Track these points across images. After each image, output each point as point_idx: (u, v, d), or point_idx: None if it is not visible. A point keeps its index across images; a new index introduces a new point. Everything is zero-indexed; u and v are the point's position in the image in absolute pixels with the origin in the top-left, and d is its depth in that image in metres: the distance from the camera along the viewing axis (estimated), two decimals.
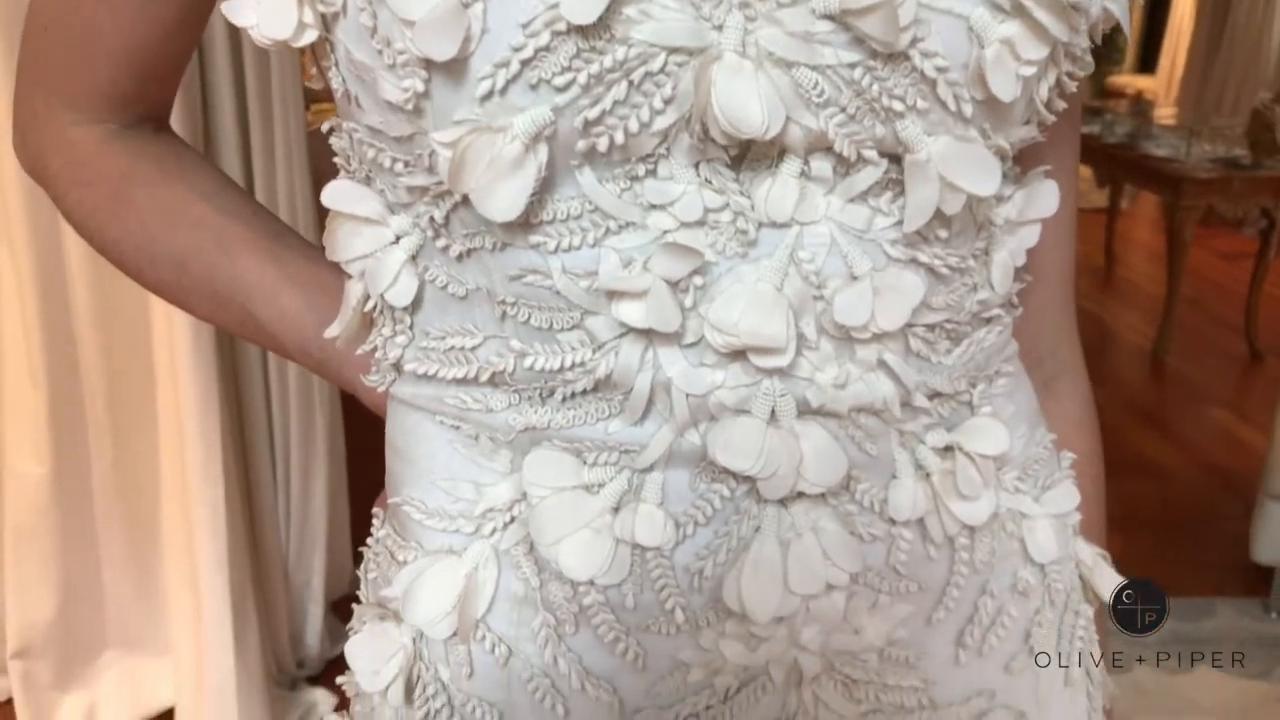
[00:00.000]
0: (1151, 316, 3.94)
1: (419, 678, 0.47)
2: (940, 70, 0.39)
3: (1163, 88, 6.44)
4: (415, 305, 0.46)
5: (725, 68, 0.37)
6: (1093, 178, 4.74)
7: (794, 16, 0.37)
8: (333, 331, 0.48)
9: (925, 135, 0.40)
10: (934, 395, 0.46)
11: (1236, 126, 4.00)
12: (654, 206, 0.40)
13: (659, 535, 0.43)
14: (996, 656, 0.51)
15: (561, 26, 0.37)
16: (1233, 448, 3.04)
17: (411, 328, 0.47)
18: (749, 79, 0.37)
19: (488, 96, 0.38)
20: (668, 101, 0.38)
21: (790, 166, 0.40)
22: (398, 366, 0.48)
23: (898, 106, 0.39)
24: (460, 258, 0.43)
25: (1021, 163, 0.48)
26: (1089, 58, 0.45)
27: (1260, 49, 5.70)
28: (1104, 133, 4.07)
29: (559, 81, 0.38)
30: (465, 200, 0.41)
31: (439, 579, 0.46)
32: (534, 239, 0.41)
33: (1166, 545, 2.44)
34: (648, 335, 0.41)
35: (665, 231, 0.40)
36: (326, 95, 2.84)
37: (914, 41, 0.39)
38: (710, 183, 0.40)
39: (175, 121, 0.54)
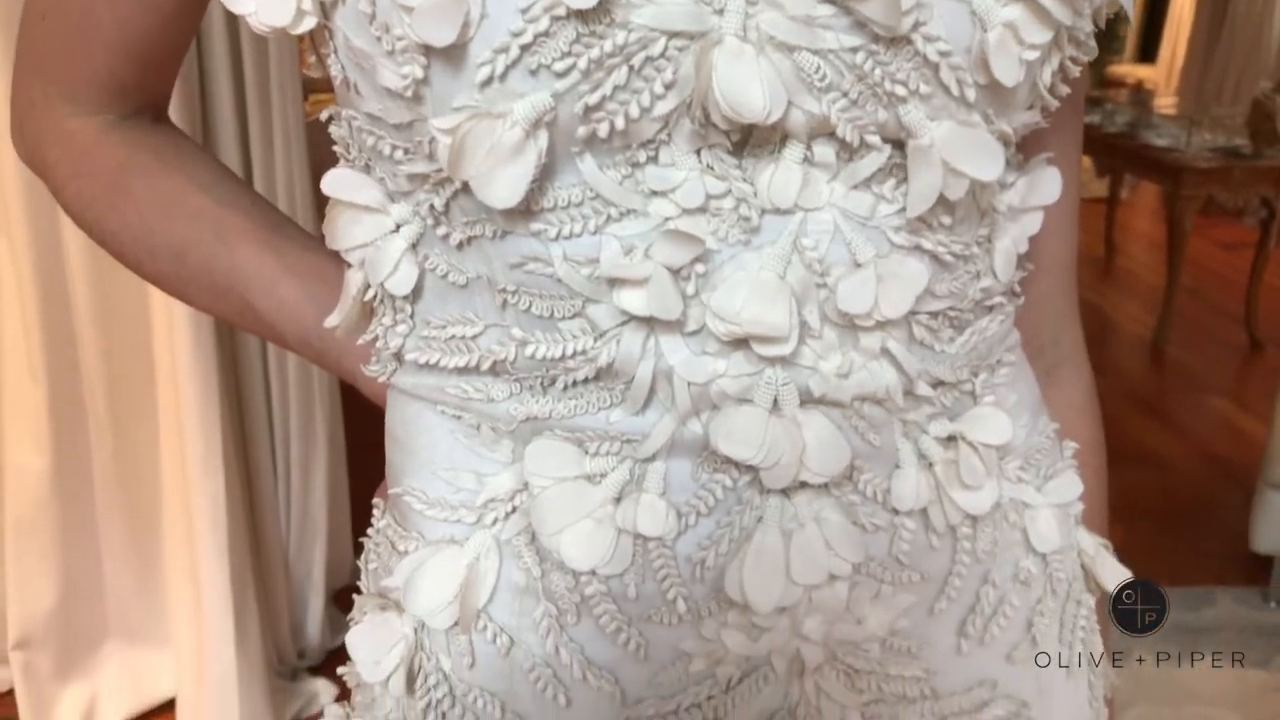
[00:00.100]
0: (1151, 306, 3.94)
1: (420, 668, 0.47)
2: (943, 54, 0.39)
3: (1163, 77, 6.42)
4: (416, 294, 0.46)
5: (726, 52, 0.37)
6: (1093, 167, 4.73)
7: (795, 0, 0.37)
8: (332, 321, 0.48)
9: (928, 120, 0.40)
10: (937, 384, 0.46)
11: (1237, 116, 3.99)
12: (655, 193, 0.40)
13: (661, 525, 0.43)
14: (998, 646, 0.51)
15: (561, 11, 0.36)
16: (1233, 437, 3.04)
17: (412, 317, 0.46)
18: (750, 63, 0.37)
19: (487, 82, 0.38)
20: (668, 86, 0.38)
21: (793, 152, 0.40)
22: (398, 356, 0.47)
23: (900, 91, 0.39)
24: (461, 246, 0.43)
25: (1024, 150, 0.48)
26: (1092, 42, 0.44)
27: (1261, 38, 5.68)
28: (1104, 122, 4.06)
29: (559, 67, 0.37)
30: (465, 188, 0.40)
31: (440, 569, 0.46)
32: (535, 226, 0.41)
33: (1166, 535, 2.44)
34: (649, 323, 0.41)
35: (667, 219, 0.40)
36: (325, 85, 2.83)
37: (916, 25, 0.38)
38: (712, 169, 0.40)
39: (173, 112, 0.54)
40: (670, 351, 0.41)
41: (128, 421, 1.72)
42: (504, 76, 0.38)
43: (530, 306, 0.42)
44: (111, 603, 1.81)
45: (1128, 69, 6.83)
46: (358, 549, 0.53)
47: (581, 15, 0.37)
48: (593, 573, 0.44)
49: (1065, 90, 0.44)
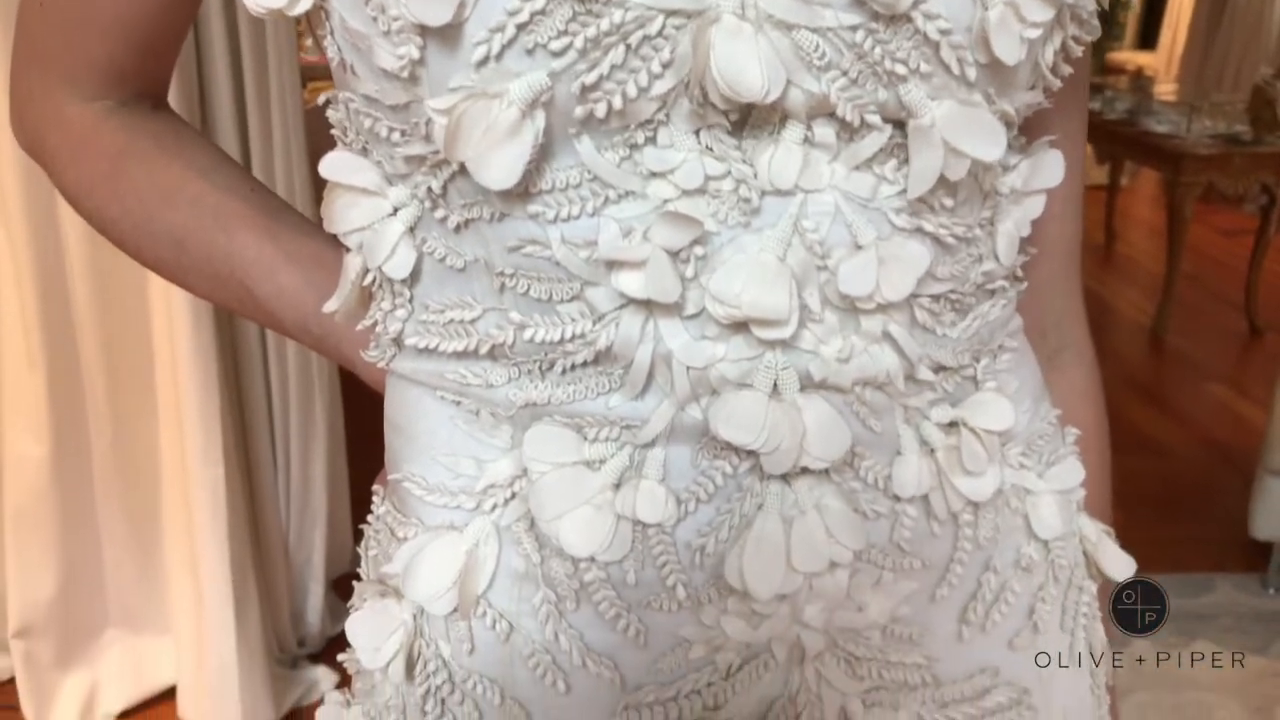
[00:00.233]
0: (1151, 293, 3.94)
1: (420, 654, 0.47)
2: (943, 33, 0.39)
3: (1163, 64, 6.41)
4: (414, 278, 0.45)
5: (724, 30, 0.36)
6: (1093, 154, 4.71)
7: None
8: (331, 305, 0.48)
9: (929, 99, 0.39)
10: (938, 369, 0.45)
11: (1237, 102, 3.98)
12: (654, 174, 0.39)
13: (660, 512, 0.43)
14: (1000, 633, 0.51)
15: None
16: (1232, 424, 3.04)
17: (411, 301, 0.46)
18: (748, 41, 0.36)
19: (483, 62, 0.38)
20: (666, 65, 0.37)
21: (793, 133, 0.39)
22: (397, 341, 0.47)
23: (900, 70, 0.39)
24: (458, 229, 0.43)
25: (1028, 133, 0.47)
26: (1095, 21, 0.44)
27: (1261, 25, 5.66)
28: (1104, 109, 4.05)
29: (555, 46, 0.37)
30: (463, 170, 0.40)
31: (439, 555, 0.46)
32: (532, 209, 0.40)
33: (1166, 521, 2.45)
34: (648, 306, 0.41)
35: (665, 200, 0.39)
36: (324, 73, 2.82)
37: (916, 3, 0.38)
38: (711, 150, 0.39)
39: (171, 101, 0.54)
40: (669, 335, 0.41)
41: (127, 410, 1.72)
42: (500, 56, 0.37)
43: (528, 290, 0.42)
44: (112, 591, 1.82)
45: (1128, 55, 6.81)
46: (358, 536, 0.53)
47: None
48: (592, 559, 0.44)
49: (1068, 70, 0.44)
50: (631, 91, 0.38)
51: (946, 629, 0.49)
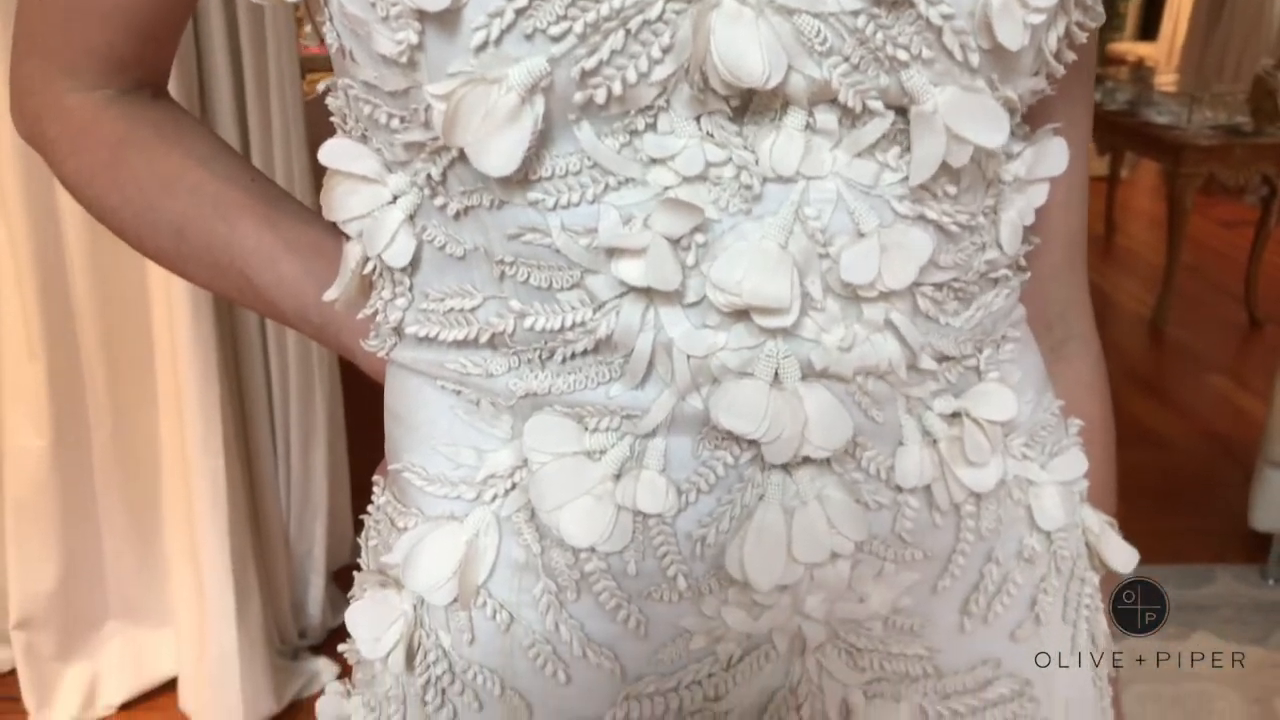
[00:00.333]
0: (1151, 285, 3.94)
1: (420, 644, 0.47)
2: (946, 18, 0.38)
3: (1164, 54, 6.39)
4: (414, 266, 0.45)
5: (724, 15, 0.36)
6: (1093, 146, 4.67)
7: None
8: (331, 294, 0.48)
9: (931, 85, 0.39)
10: (941, 358, 0.45)
11: (1238, 93, 3.97)
12: (654, 161, 0.39)
13: (661, 502, 0.42)
14: (1002, 624, 0.50)
15: None
16: (1232, 415, 3.04)
17: (411, 289, 0.46)
18: (749, 26, 0.36)
19: (482, 47, 0.37)
20: (666, 50, 0.37)
21: (794, 119, 0.39)
22: (398, 330, 0.47)
23: (902, 55, 0.38)
24: (458, 216, 0.42)
25: (1032, 122, 0.47)
26: (1099, 7, 0.44)
27: (1262, 15, 5.65)
28: (1104, 100, 4.04)
29: (554, 31, 0.37)
30: (462, 156, 0.40)
31: (440, 545, 0.45)
32: (532, 196, 0.40)
33: (1166, 513, 2.45)
34: (648, 295, 0.40)
35: (666, 187, 0.39)
36: (323, 65, 2.82)
37: None
38: (712, 136, 0.39)
39: (171, 92, 0.54)
40: (670, 323, 0.41)
41: (127, 401, 1.72)
42: (499, 41, 0.37)
43: (528, 278, 0.42)
44: (112, 583, 1.82)
45: (1128, 46, 6.80)
46: (358, 527, 0.53)
47: None
48: (592, 549, 0.43)
49: (1071, 57, 0.44)
50: (631, 77, 0.37)
51: (948, 620, 0.49)
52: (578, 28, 0.37)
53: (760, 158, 0.39)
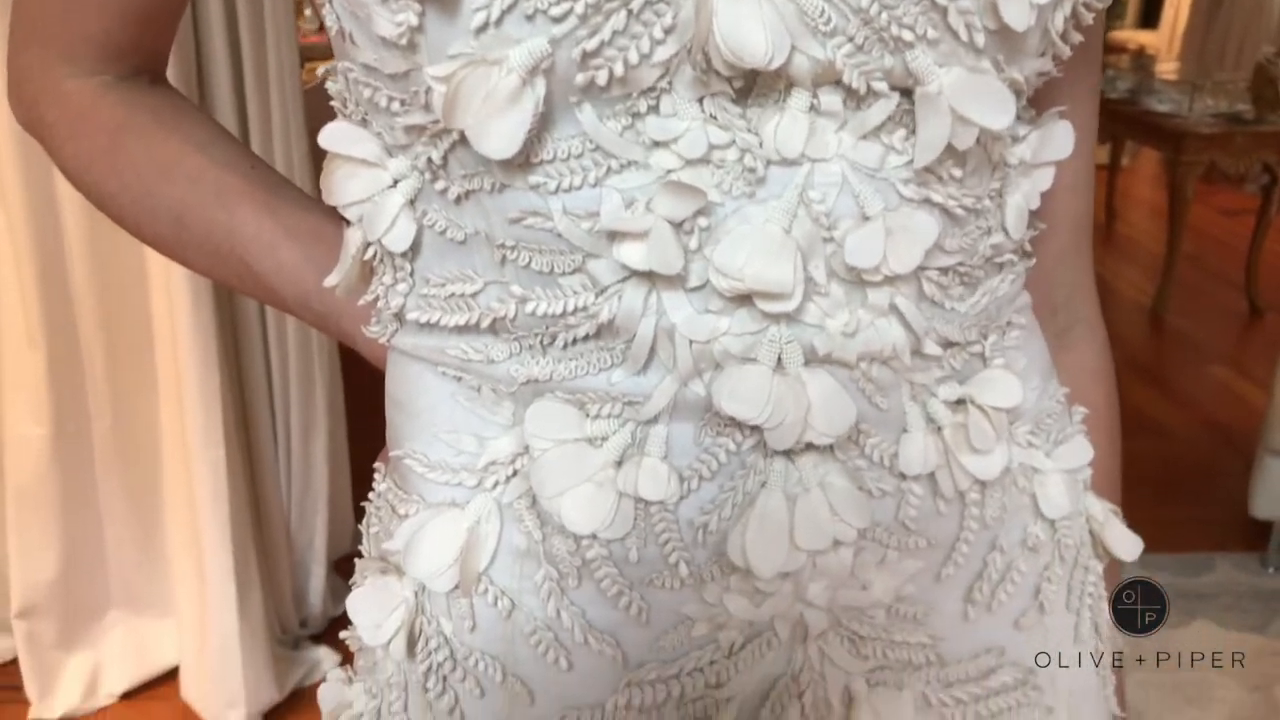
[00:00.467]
0: (1152, 273, 3.93)
1: (421, 631, 0.47)
2: None
3: (1165, 43, 6.37)
4: (414, 251, 0.45)
5: None
6: None
7: None
8: (332, 280, 0.47)
9: (936, 66, 0.39)
10: (946, 344, 0.45)
11: (1239, 81, 3.96)
12: (656, 144, 0.39)
13: (662, 489, 0.42)
14: (1006, 613, 0.50)
15: None
16: (1233, 404, 3.04)
17: (412, 275, 0.45)
18: (752, 6, 0.36)
19: (482, 29, 0.37)
20: (668, 31, 0.37)
21: (798, 100, 0.39)
22: (399, 316, 0.47)
23: (907, 36, 0.38)
24: (459, 200, 0.42)
25: (1038, 105, 0.47)
26: None
27: (1263, 3, 5.63)
28: (1105, 88, 4.03)
29: (555, 12, 0.36)
30: (463, 139, 0.39)
31: (441, 532, 0.45)
32: (533, 179, 0.40)
33: (1166, 502, 2.45)
34: (651, 279, 0.40)
35: (668, 170, 0.39)
36: (321, 54, 2.81)
37: None
38: (715, 118, 0.39)
39: (169, 80, 0.54)
40: (672, 308, 0.40)
41: (127, 390, 1.72)
42: (499, 22, 0.37)
43: (530, 262, 0.41)
44: (113, 572, 1.82)
45: (1129, 34, 6.78)
46: (359, 517, 0.53)
47: None
48: (594, 536, 0.43)
49: (1078, 38, 0.43)
50: (633, 58, 0.37)
51: (952, 608, 0.49)
52: (579, 8, 0.36)
53: (764, 140, 0.39)
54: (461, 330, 0.44)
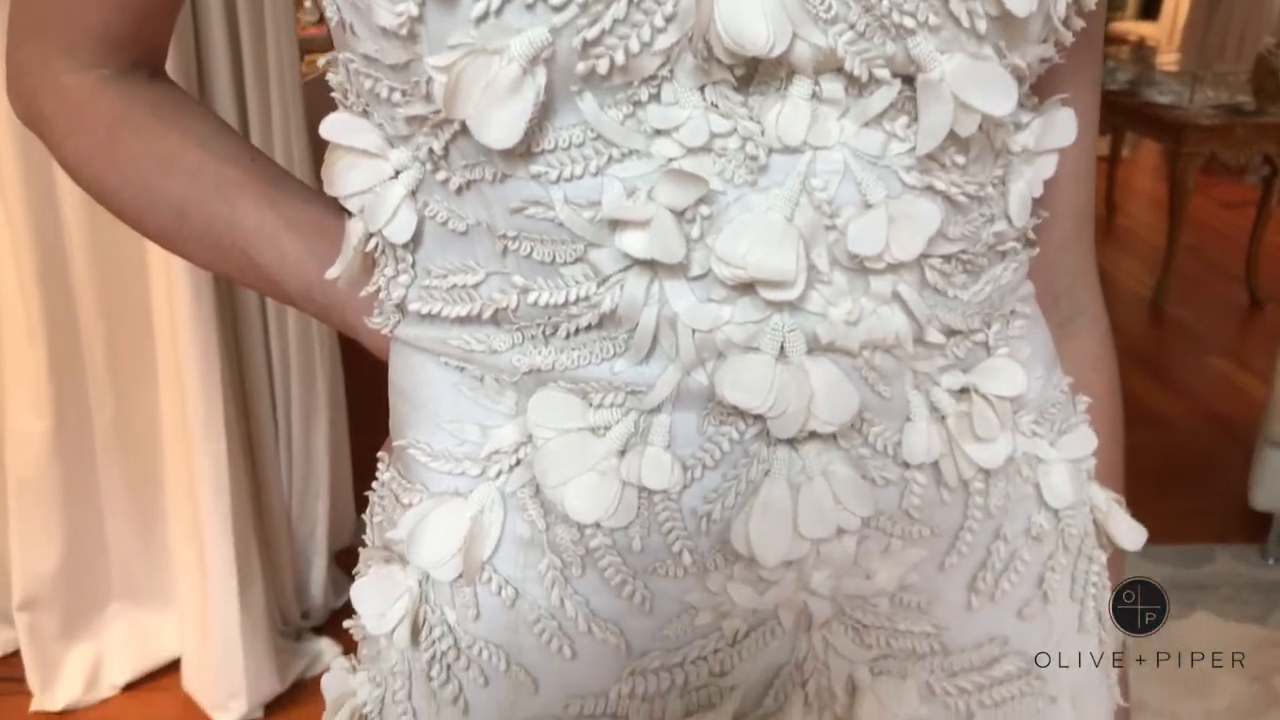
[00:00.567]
0: (1152, 265, 3.93)
1: (425, 620, 0.47)
2: None
3: (1165, 34, 6.36)
4: (416, 243, 0.45)
5: None
6: None
7: None
8: (334, 272, 0.47)
9: (938, 53, 0.39)
10: (949, 333, 0.45)
11: (1240, 73, 3.96)
12: (658, 132, 0.39)
13: (666, 478, 0.42)
14: (1009, 602, 0.50)
15: None
16: (1233, 396, 3.04)
17: (413, 266, 0.45)
18: None
19: (483, 18, 0.37)
20: (669, 19, 0.37)
21: (800, 88, 0.39)
22: (401, 307, 0.47)
23: (909, 23, 0.38)
24: (460, 190, 0.42)
25: (1040, 94, 0.47)
26: None
27: None
28: (1106, 80, 3.98)
29: (556, 0, 0.36)
30: (464, 130, 0.39)
31: (444, 521, 0.45)
32: (535, 169, 0.40)
33: (1167, 494, 2.45)
34: (653, 268, 0.40)
35: (670, 159, 0.39)
36: (321, 46, 2.79)
37: None
38: (716, 107, 0.39)
39: (168, 73, 0.54)
40: (674, 297, 0.40)
41: (128, 382, 1.72)
42: (500, 11, 0.37)
43: (531, 252, 0.41)
44: (115, 564, 1.82)
45: (1130, 26, 6.77)
46: (360, 508, 0.53)
47: None
48: (597, 525, 0.43)
49: (1081, 24, 0.43)
50: (634, 46, 0.37)
51: (955, 598, 0.49)
52: None
53: (766, 128, 0.39)
54: (464, 321, 0.44)
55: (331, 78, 0.45)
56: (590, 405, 0.43)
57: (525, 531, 0.45)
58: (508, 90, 0.37)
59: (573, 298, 0.41)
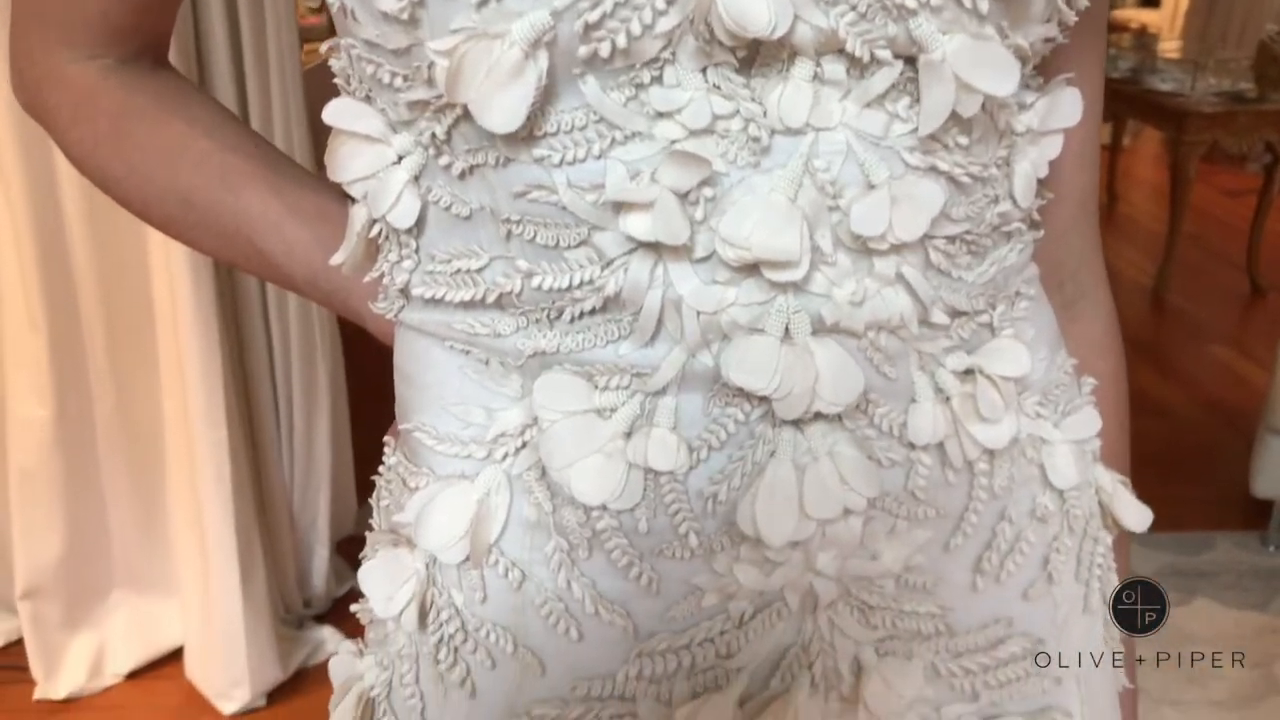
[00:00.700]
0: (1153, 253, 3.93)
1: (433, 603, 0.47)
2: None
3: (1167, 21, 6.34)
4: (419, 228, 0.45)
5: None
6: None
7: None
8: (338, 258, 0.47)
9: (940, 33, 0.38)
10: (954, 314, 0.45)
11: (1242, 60, 3.94)
12: (660, 115, 0.39)
13: (672, 460, 0.42)
14: (1014, 583, 0.50)
15: None
16: (1234, 383, 3.04)
17: (417, 251, 0.45)
18: None
19: (484, 2, 0.37)
20: (670, 2, 0.37)
21: (802, 70, 0.39)
22: (405, 292, 0.47)
23: (910, 3, 0.38)
24: (463, 175, 0.42)
25: (1044, 75, 0.47)
26: None
27: None
28: (1107, 67, 3.99)
29: None
30: (466, 114, 0.39)
31: (451, 504, 0.45)
32: (538, 152, 0.40)
33: (1168, 481, 2.45)
34: (657, 250, 0.40)
35: (673, 141, 0.39)
36: (320, 35, 2.79)
37: None
38: (719, 88, 0.39)
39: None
40: (679, 280, 0.40)
41: (129, 370, 1.72)
42: None
43: (535, 236, 0.41)
44: (117, 552, 1.82)
45: (1131, 13, 6.74)
46: (361, 498, 0.53)
47: None
48: (603, 507, 0.43)
49: (1084, 3, 0.43)
50: (635, 29, 0.37)
51: (960, 579, 0.49)
52: None
53: (768, 109, 0.39)
54: (468, 305, 0.44)
55: (334, 63, 0.45)
56: (595, 388, 0.43)
57: (532, 514, 0.45)
58: (510, 74, 0.37)
59: (577, 281, 0.41)
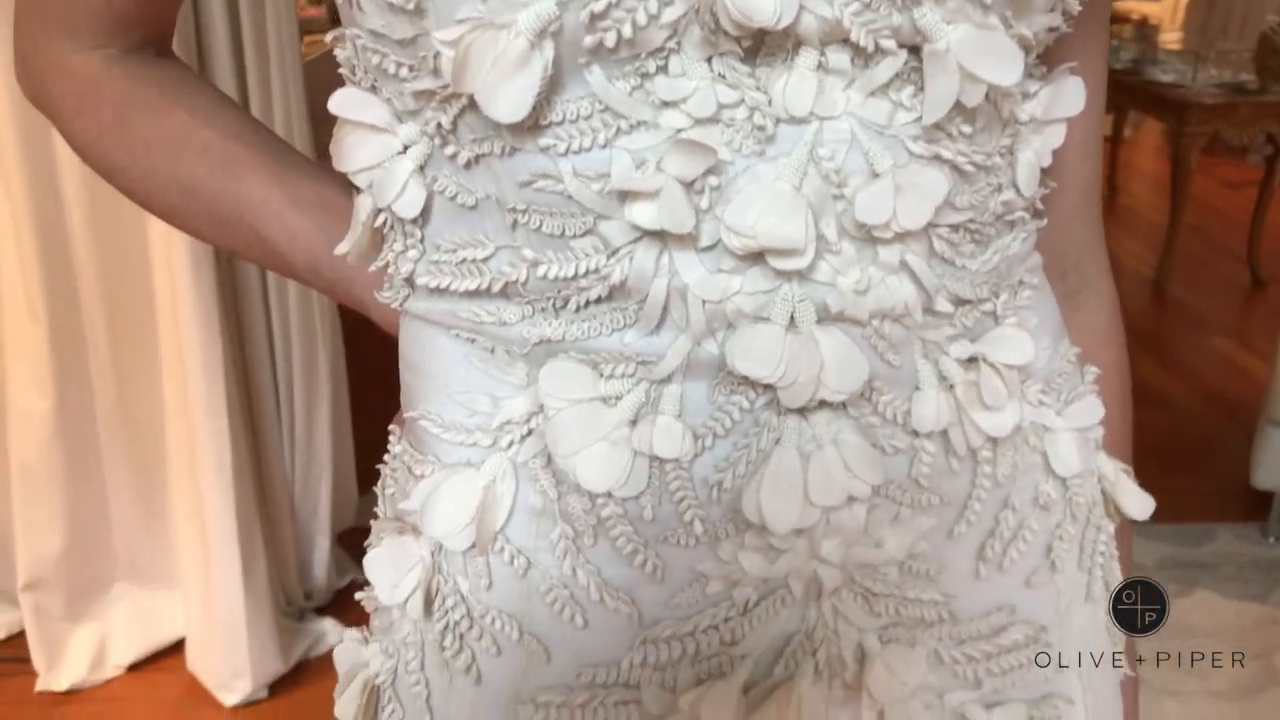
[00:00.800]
0: (1154, 245, 3.93)
1: (438, 590, 0.47)
2: None
3: (1168, 12, 6.33)
4: (425, 217, 0.45)
5: None
6: None
7: None
8: (343, 248, 0.47)
9: (944, 23, 0.39)
10: (958, 302, 0.45)
11: (1243, 51, 3.94)
12: (666, 104, 0.39)
13: (677, 447, 0.42)
14: (1017, 571, 0.51)
15: None
16: (1234, 375, 3.04)
17: (422, 241, 0.46)
18: None
19: None
20: None
21: (806, 59, 0.39)
22: (410, 281, 0.47)
23: None
24: (468, 165, 0.42)
25: (1048, 63, 0.47)
26: None
27: None
28: (1108, 59, 4.00)
29: None
30: (472, 104, 0.39)
31: (457, 491, 0.45)
32: (543, 142, 0.40)
33: (1168, 472, 2.45)
34: (662, 239, 0.40)
35: (678, 130, 0.39)
36: (320, 27, 2.78)
37: None
38: (724, 78, 0.39)
39: None
40: (684, 268, 0.40)
41: (130, 361, 1.72)
42: None
43: (541, 225, 0.41)
44: (119, 544, 1.83)
45: (1132, 4, 6.73)
46: (363, 489, 0.53)
47: None
48: (609, 495, 0.43)
49: None
50: (641, 19, 0.37)
51: (964, 566, 0.49)
52: None
53: (773, 98, 0.39)
54: (473, 295, 0.45)
55: (339, 53, 0.45)
56: (601, 376, 0.43)
57: (537, 501, 0.45)
58: (515, 64, 0.37)
59: (582, 270, 0.41)
